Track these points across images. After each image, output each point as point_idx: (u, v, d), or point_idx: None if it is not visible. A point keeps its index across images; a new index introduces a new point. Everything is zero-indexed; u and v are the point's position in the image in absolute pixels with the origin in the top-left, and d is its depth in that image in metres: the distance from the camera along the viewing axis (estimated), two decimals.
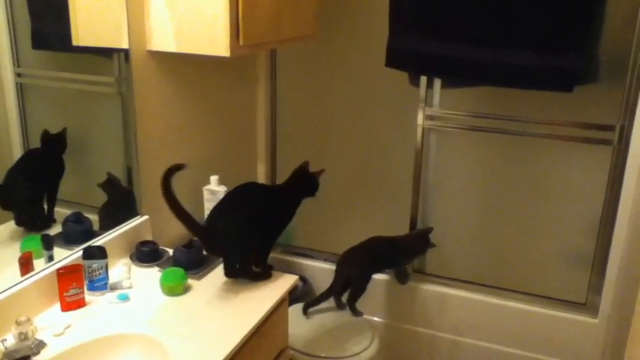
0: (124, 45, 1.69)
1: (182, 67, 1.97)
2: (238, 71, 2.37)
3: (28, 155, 1.44)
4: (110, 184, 1.74)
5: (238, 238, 1.64)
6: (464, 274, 2.52)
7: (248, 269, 1.69)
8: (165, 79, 1.90)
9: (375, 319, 2.59)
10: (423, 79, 2.33)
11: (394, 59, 2.27)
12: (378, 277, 2.42)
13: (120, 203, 1.80)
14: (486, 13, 2.05)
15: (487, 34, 2.07)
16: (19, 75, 1.39)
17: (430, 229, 2.37)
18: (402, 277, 2.49)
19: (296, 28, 2.01)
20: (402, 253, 2.37)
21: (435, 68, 2.21)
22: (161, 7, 1.70)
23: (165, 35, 1.72)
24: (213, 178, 2.06)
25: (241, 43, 1.67)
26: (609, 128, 2.12)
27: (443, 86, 2.33)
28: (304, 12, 2.05)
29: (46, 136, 1.49)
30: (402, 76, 2.37)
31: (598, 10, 1.99)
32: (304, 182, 1.87)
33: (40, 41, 1.44)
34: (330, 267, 2.64)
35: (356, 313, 2.26)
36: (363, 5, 2.38)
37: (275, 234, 1.81)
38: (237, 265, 1.67)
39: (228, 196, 1.72)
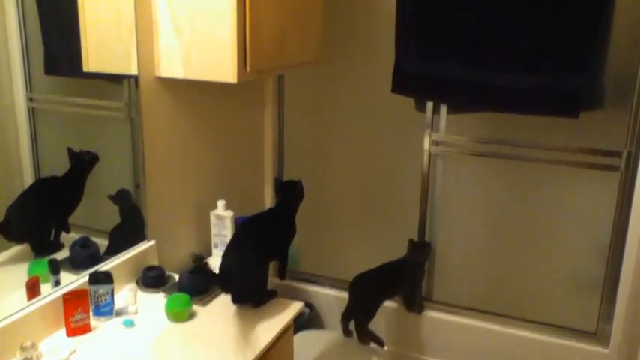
0: (133, 71, 1.72)
1: (190, 92, 1.99)
2: (245, 95, 2.39)
3: (42, 182, 1.46)
4: (121, 197, 1.76)
5: (254, 272, 1.69)
6: (471, 300, 2.49)
7: (264, 297, 1.71)
8: (174, 104, 1.92)
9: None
10: (429, 104, 2.34)
11: (400, 85, 2.29)
12: (384, 304, 2.40)
13: (129, 221, 1.80)
14: (489, 37, 2.07)
15: (491, 57, 2.09)
16: (31, 99, 1.41)
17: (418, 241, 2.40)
18: (411, 303, 2.47)
19: (301, 54, 2.03)
20: (407, 272, 2.37)
21: (440, 93, 2.23)
22: (169, 35, 1.73)
23: (173, 62, 1.75)
24: (220, 203, 2.06)
25: (248, 69, 1.69)
26: (616, 154, 2.12)
27: (449, 112, 2.34)
28: (310, 38, 2.08)
29: (74, 155, 1.52)
30: (408, 102, 2.39)
31: (600, 32, 2.00)
32: (288, 190, 1.92)
33: (52, 67, 1.47)
34: (337, 293, 2.62)
35: (366, 339, 2.23)
36: (369, 31, 2.40)
37: (285, 247, 1.88)
38: (257, 295, 1.70)
39: (232, 239, 1.76)
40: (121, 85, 1.71)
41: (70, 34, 1.51)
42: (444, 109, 2.34)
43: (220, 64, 1.67)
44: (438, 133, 2.37)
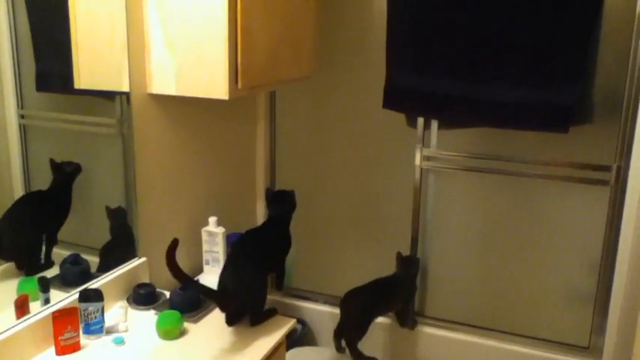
0: (125, 88, 1.72)
1: (182, 108, 2.00)
2: (237, 111, 2.40)
3: (28, 198, 1.45)
4: (117, 214, 1.76)
5: (252, 287, 1.68)
6: (463, 316, 2.49)
7: (263, 315, 1.70)
8: (165, 120, 1.92)
9: None
10: (420, 120, 2.35)
11: (391, 101, 2.31)
12: (377, 320, 2.39)
13: (120, 238, 1.79)
14: (480, 53, 2.10)
15: (481, 73, 2.11)
16: (22, 116, 1.41)
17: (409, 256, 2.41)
18: (404, 319, 2.46)
19: (294, 70, 2.04)
20: (398, 287, 2.36)
21: (430, 109, 2.24)
22: (162, 52, 1.74)
23: (165, 79, 1.76)
24: (212, 220, 2.06)
25: (240, 86, 1.70)
26: (606, 169, 2.13)
27: (440, 127, 2.36)
28: (302, 53, 2.09)
29: (55, 166, 1.52)
30: (400, 117, 2.40)
31: (588, 48, 2.03)
32: (279, 200, 1.93)
33: (43, 83, 1.47)
34: (330, 309, 2.61)
35: (358, 357, 2.22)
36: (361, 46, 2.42)
37: (282, 259, 1.90)
38: (256, 312, 1.69)
39: (229, 256, 1.76)
40: (112, 102, 1.71)
41: (61, 51, 1.51)
42: (434, 124, 2.36)
43: (212, 81, 1.68)
44: (429, 148, 2.38)
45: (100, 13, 1.59)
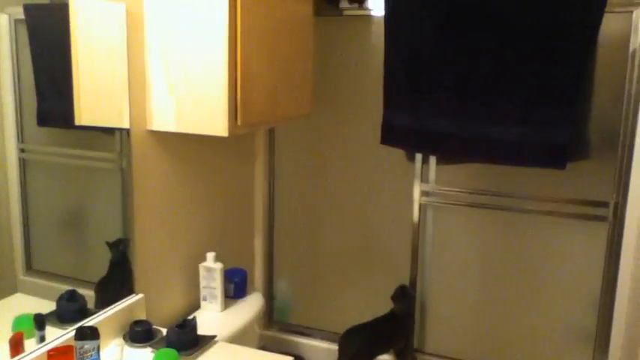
0: (125, 125, 1.74)
1: (181, 144, 2.01)
2: (236, 147, 2.41)
3: None
4: (118, 246, 1.75)
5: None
6: (463, 352, 2.46)
7: None
8: (165, 156, 1.93)
9: None
10: (418, 155, 2.37)
11: (389, 137, 2.33)
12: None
13: (117, 273, 1.78)
14: (477, 91, 2.12)
15: (479, 111, 2.13)
16: (22, 150, 1.42)
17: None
18: (403, 356, 2.43)
19: (292, 108, 2.07)
20: (398, 324, 2.34)
21: (428, 145, 2.26)
22: (163, 91, 1.76)
23: (165, 116, 1.77)
24: (210, 255, 2.05)
25: (239, 123, 1.72)
26: (603, 205, 2.14)
27: (438, 162, 2.37)
28: (301, 91, 2.12)
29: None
30: (398, 153, 2.42)
31: (584, 86, 2.06)
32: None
33: (44, 119, 1.49)
34: (328, 345, 2.58)
35: None
36: (359, 83, 2.46)
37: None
38: None
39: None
40: (112, 136, 1.72)
41: (63, 88, 1.53)
42: (433, 159, 2.37)
43: (212, 118, 1.70)
44: (428, 183, 2.39)
45: (102, 53, 1.62)
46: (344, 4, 2.38)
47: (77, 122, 1.58)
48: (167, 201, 1.97)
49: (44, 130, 1.51)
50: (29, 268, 1.49)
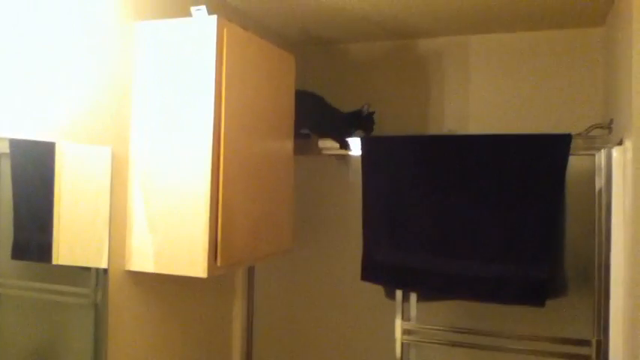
0: (103, 265, 1.72)
1: (158, 284, 1.98)
2: (215, 286, 2.38)
3: None
4: None
5: None
6: None
7: None
8: (142, 296, 1.90)
9: None
10: (399, 292, 2.36)
11: (368, 273, 2.33)
12: None
13: None
14: (455, 230, 2.17)
15: (457, 249, 2.16)
16: None
17: None
18: None
19: (273, 245, 2.08)
20: None
21: (408, 282, 2.26)
22: (143, 231, 1.77)
23: (144, 256, 1.77)
24: None
25: (219, 264, 1.72)
26: (586, 343, 2.12)
27: (418, 300, 2.36)
28: (281, 229, 2.14)
29: None
30: (379, 290, 2.41)
31: (559, 225, 2.12)
32: None
33: (20, 253, 1.47)
34: None
35: None
36: (339, 219, 2.50)
37: None
38: None
39: None
40: (88, 272, 1.70)
41: (42, 223, 1.53)
42: (413, 297, 2.36)
43: (191, 259, 1.70)
44: (409, 321, 2.36)
45: (84, 193, 1.64)
46: (323, 145, 2.48)
47: (55, 261, 1.57)
48: (143, 341, 1.91)
49: (16, 263, 1.48)
50: None
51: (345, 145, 2.38)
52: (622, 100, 2.00)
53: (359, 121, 2.46)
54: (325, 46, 3.01)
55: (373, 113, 2.46)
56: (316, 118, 2.49)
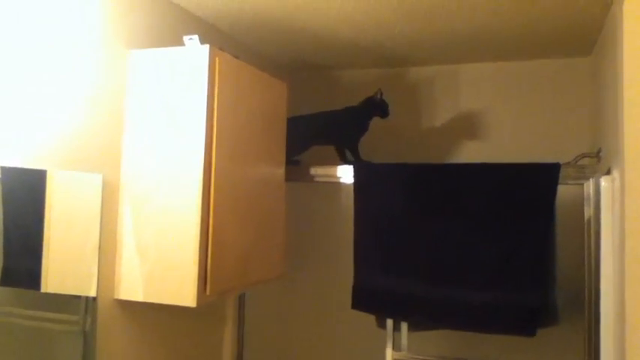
0: (92, 293, 1.71)
1: (147, 312, 1.97)
2: (205, 313, 2.36)
3: None
4: None
5: None
6: None
7: None
8: (130, 324, 1.88)
9: None
10: (390, 321, 2.35)
11: (360, 301, 2.32)
12: None
13: None
14: (447, 259, 2.17)
15: (449, 278, 2.16)
16: None
17: None
18: None
19: (263, 272, 2.07)
20: None
21: (399, 311, 2.25)
22: (132, 258, 1.76)
23: (133, 285, 1.76)
24: None
25: (208, 292, 1.71)
26: None
27: (409, 329, 2.34)
28: (272, 256, 2.13)
29: None
30: (370, 318, 2.39)
31: (547, 253, 2.12)
32: None
33: (8, 279, 1.46)
34: None
35: None
36: (331, 246, 2.49)
37: None
38: None
39: None
40: (77, 299, 1.68)
41: (32, 250, 1.53)
42: (404, 326, 2.35)
43: (180, 288, 1.69)
44: (400, 351, 2.34)
45: (75, 220, 1.64)
46: (314, 172, 2.49)
47: (43, 289, 1.55)
48: None
49: (6, 289, 1.47)
50: None
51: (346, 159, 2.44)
52: (609, 130, 2.03)
53: (374, 108, 2.49)
54: (318, 72, 3.04)
55: (383, 95, 2.49)
56: (319, 131, 2.53)
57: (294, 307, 2.54)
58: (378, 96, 2.46)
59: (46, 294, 1.59)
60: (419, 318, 2.24)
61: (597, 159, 2.21)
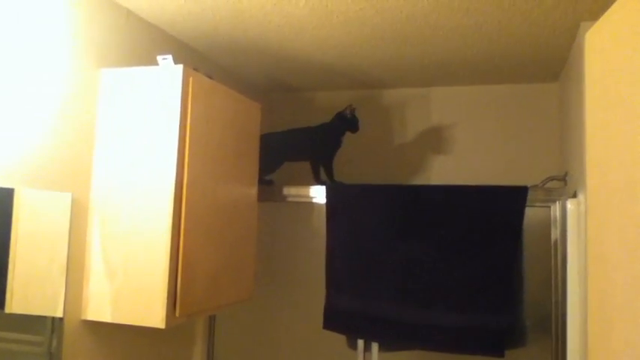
0: (59, 314, 1.68)
1: (115, 333, 1.94)
2: (174, 334, 2.33)
3: None
4: None
5: None
6: None
7: None
8: (98, 345, 1.85)
9: None
10: (360, 342, 2.35)
11: (331, 322, 2.32)
12: None
13: None
14: (416, 281, 2.19)
15: (418, 299, 2.18)
16: None
17: None
18: None
19: (233, 294, 2.06)
20: None
21: (369, 332, 2.26)
22: (101, 278, 1.74)
23: (101, 305, 1.73)
24: None
25: (177, 314, 1.69)
26: None
27: (380, 349, 2.35)
28: (242, 276, 2.13)
29: None
30: (341, 338, 2.39)
31: (517, 276, 2.16)
32: None
33: None
34: None
35: None
36: (302, 267, 2.49)
37: None
38: None
39: None
40: (43, 319, 1.65)
41: None
42: (375, 346, 2.35)
43: (149, 309, 1.67)
44: None
45: (42, 239, 1.61)
46: (287, 191, 2.50)
47: (7, 309, 1.52)
48: None
49: None
50: None
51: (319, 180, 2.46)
52: (575, 154, 2.08)
53: (344, 123, 2.52)
54: (292, 94, 3.06)
55: (354, 110, 2.52)
56: (293, 147, 2.57)
57: (265, 328, 2.52)
58: (348, 111, 2.50)
59: (11, 314, 1.56)
60: (389, 339, 2.25)
61: (564, 182, 2.26)
